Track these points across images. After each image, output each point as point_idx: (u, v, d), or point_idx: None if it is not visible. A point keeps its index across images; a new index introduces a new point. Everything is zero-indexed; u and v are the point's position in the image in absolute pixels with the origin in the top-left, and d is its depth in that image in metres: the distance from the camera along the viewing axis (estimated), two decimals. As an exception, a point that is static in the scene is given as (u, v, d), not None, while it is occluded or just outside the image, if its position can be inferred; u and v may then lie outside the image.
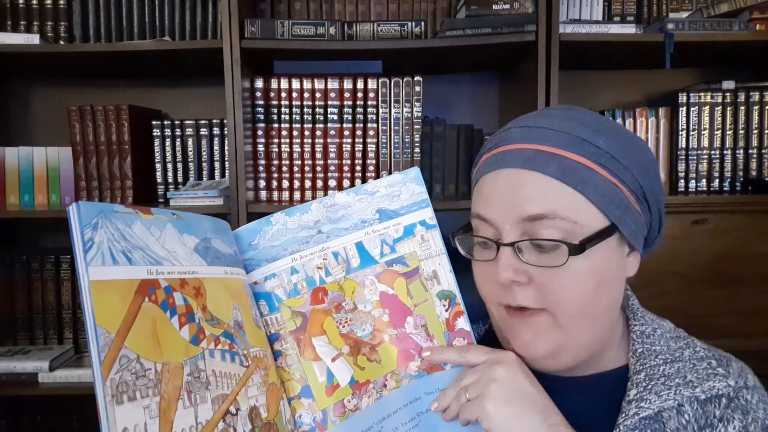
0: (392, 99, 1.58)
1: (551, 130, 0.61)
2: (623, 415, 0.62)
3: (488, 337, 0.71)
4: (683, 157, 1.62)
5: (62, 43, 1.63)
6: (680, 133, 1.62)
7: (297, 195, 1.60)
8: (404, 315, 0.67)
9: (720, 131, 1.62)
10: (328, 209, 0.67)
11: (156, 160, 1.66)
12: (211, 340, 0.54)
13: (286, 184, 1.60)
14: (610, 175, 0.60)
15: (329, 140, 1.59)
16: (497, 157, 0.63)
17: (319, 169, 1.59)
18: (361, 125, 1.59)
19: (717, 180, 1.63)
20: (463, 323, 0.68)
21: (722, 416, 0.62)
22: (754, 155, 1.62)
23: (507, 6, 1.46)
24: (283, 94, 1.58)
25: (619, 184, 0.60)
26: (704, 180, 1.63)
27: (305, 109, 1.58)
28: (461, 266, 0.70)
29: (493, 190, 0.62)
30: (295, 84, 1.57)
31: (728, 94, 1.61)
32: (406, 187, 0.68)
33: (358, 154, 1.60)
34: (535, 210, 0.59)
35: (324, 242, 0.66)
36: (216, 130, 1.67)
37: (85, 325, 0.45)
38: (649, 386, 0.63)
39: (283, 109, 1.58)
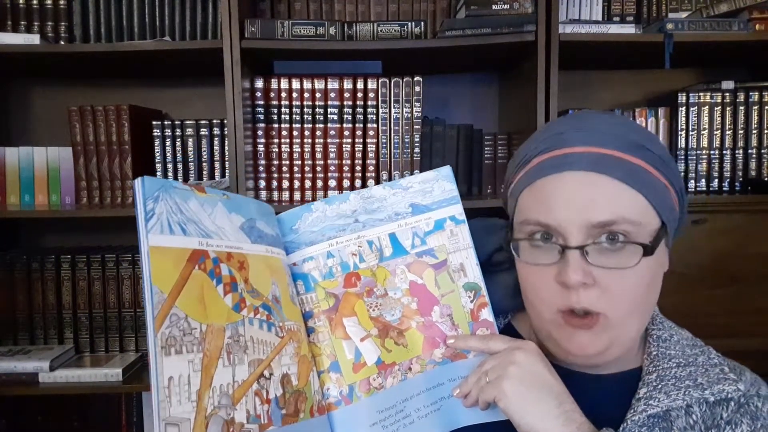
0: (392, 99, 1.58)
1: (610, 134, 0.63)
2: (632, 411, 0.64)
3: (506, 334, 0.72)
4: (683, 157, 1.63)
5: (62, 43, 1.63)
6: (680, 133, 1.62)
7: (297, 195, 1.60)
8: (431, 304, 0.70)
9: (719, 131, 1.62)
10: (365, 200, 0.72)
11: (156, 160, 1.66)
12: (251, 310, 0.59)
13: (286, 184, 1.60)
14: (663, 178, 0.63)
15: (329, 140, 1.59)
16: (558, 160, 0.63)
17: (319, 169, 1.60)
18: (361, 125, 1.59)
19: (716, 180, 1.63)
20: (487, 314, 0.71)
21: (730, 419, 0.63)
22: (754, 155, 1.62)
23: (506, 6, 1.46)
24: (283, 94, 1.58)
25: (669, 186, 0.64)
26: (704, 180, 1.63)
27: (305, 109, 1.58)
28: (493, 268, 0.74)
29: (557, 194, 0.62)
30: (295, 84, 1.57)
31: (727, 94, 1.61)
32: (438, 184, 0.72)
33: (358, 154, 1.60)
34: (604, 216, 0.60)
35: (360, 231, 0.71)
36: (216, 130, 1.67)
37: (143, 285, 0.51)
38: (659, 386, 0.64)
39: (283, 109, 1.58)
